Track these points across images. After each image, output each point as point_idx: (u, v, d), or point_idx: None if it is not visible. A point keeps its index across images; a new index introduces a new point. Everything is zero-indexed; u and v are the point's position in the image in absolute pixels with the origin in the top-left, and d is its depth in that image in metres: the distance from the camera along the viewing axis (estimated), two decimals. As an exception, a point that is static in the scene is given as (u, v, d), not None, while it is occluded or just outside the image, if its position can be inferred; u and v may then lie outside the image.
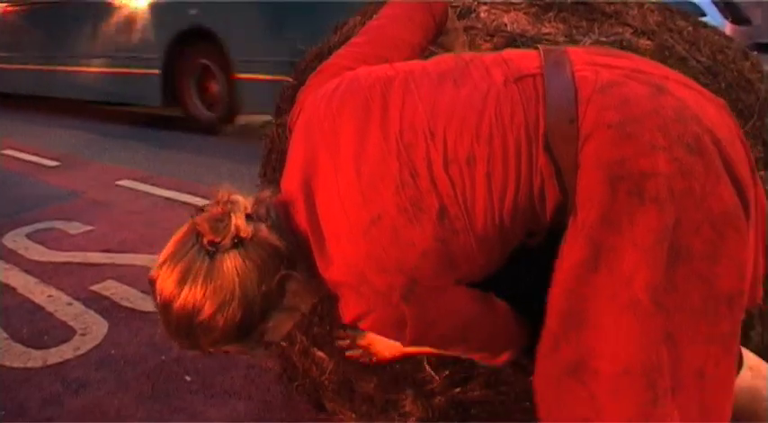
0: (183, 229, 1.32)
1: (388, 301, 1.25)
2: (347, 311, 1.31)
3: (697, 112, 1.21)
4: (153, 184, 5.62)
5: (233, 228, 1.26)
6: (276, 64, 5.50)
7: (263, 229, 1.29)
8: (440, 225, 1.22)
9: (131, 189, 5.60)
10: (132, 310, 3.42)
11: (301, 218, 1.31)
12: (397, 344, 1.61)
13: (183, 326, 1.30)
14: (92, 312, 3.41)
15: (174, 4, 7.00)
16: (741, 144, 1.26)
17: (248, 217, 1.30)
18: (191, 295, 1.26)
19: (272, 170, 1.99)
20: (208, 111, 7.23)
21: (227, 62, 6.61)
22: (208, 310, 1.26)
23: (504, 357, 1.42)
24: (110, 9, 7.67)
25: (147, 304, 3.46)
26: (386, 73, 1.33)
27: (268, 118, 2.44)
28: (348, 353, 1.79)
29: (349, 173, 1.26)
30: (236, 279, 1.25)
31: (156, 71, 7.24)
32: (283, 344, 2.03)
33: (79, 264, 4.04)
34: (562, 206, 1.24)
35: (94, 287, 3.68)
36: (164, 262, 1.31)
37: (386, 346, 1.70)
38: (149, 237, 4.42)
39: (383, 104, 1.28)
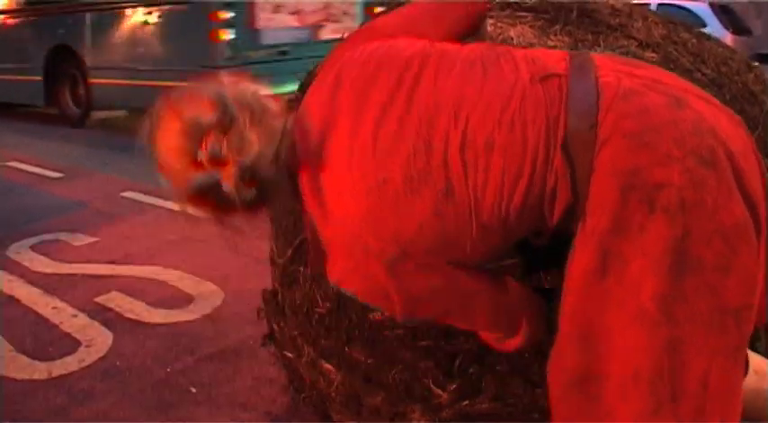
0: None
1: (376, 266, 1.27)
2: (334, 270, 1.33)
3: (713, 125, 1.22)
4: (158, 196, 5.61)
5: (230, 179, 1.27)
6: (118, 71, 8.28)
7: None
8: (443, 202, 1.23)
9: (136, 201, 5.60)
10: (137, 321, 3.42)
11: (305, 159, 1.31)
12: None
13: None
14: (96, 324, 3.41)
15: (48, 26, 9.19)
16: (755, 157, 1.27)
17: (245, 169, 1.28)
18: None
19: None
20: (76, 108, 9.25)
21: (84, 71, 8.76)
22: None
23: (517, 340, 1.42)
24: (4, 28, 9.93)
25: (152, 316, 3.46)
26: (424, 48, 1.34)
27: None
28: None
29: (366, 134, 1.27)
30: None
31: (40, 78, 9.25)
32: (290, 355, 2.04)
33: (84, 275, 4.04)
34: (571, 209, 1.25)
35: (99, 299, 3.68)
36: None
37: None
38: (154, 249, 4.43)
39: (416, 78, 1.29)
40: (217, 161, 1.26)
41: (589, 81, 1.25)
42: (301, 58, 6.51)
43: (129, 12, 8.21)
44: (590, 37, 1.96)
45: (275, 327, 2.10)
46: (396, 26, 1.47)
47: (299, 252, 1.88)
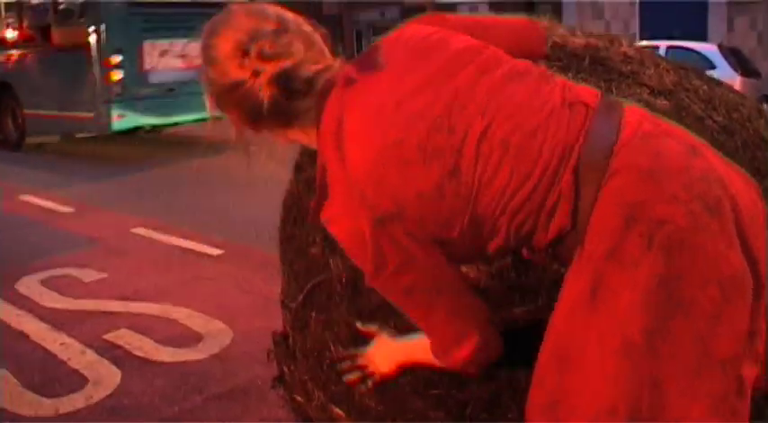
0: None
1: (366, 217, 1.29)
2: (329, 208, 1.35)
3: (723, 177, 1.24)
4: (168, 233, 5.64)
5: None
6: (40, 104, 10.24)
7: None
8: (447, 180, 1.26)
9: (146, 237, 5.63)
10: (146, 359, 3.41)
11: (338, 95, 1.36)
12: (395, 355, 1.65)
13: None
14: (105, 361, 3.41)
15: None
16: (763, 221, 1.28)
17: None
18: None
19: (293, 226, 2.01)
20: (15, 134, 10.99)
21: (20, 104, 10.67)
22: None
23: (464, 352, 1.40)
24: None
25: (160, 354, 3.46)
26: (479, 46, 1.39)
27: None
28: (348, 378, 1.78)
29: (402, 94, 1.31)
30: None
31: None
32: (300, 399, 2.03)
33: (93, 311, 4.05)
34: (565, 233, 1.27)
35: (108, 336, 3.68)
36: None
37: (384, 359, 1.71)
38: (163, 286, 4.43)
39: (462, 66, 1.34)
40: (262, 59, 1.33)
41: (613, 117, 1.29)
42: (188, 94, 8.86)
43: (44, 56, 10.44)
44: (602, 84, 1.97)
45: (285, 370, 2.09)
46: (460, 25, 1.53)
47: (310, 297, 1.88)
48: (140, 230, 5.79)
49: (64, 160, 10.24)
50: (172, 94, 9.65)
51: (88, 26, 9.42)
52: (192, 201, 6.99)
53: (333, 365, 1.83)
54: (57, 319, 3.93)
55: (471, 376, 1.52)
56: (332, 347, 1.82)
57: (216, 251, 5.13)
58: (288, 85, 1.34)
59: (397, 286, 1.36)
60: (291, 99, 1.36)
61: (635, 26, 19.11)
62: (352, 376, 1.78)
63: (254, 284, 4.33)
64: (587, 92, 1.35)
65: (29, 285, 4.51)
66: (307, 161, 2.10)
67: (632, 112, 1.32)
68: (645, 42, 14.04)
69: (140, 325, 3.81)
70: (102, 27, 9.38)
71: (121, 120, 9.57)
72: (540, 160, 1.25)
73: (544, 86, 1.33)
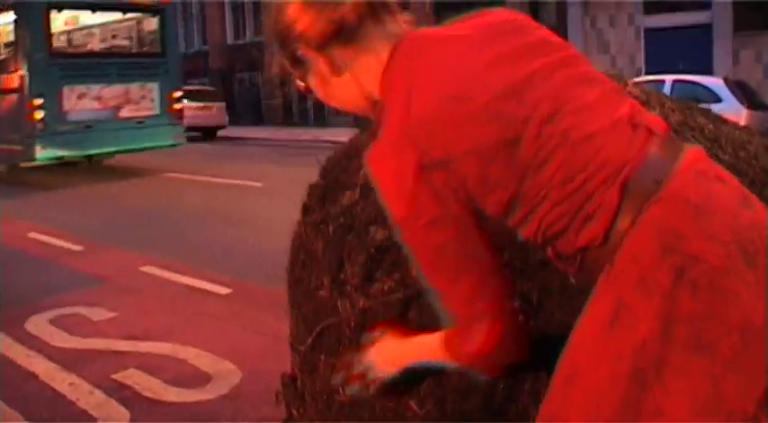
0: None
1: (411, 161, 1.28)
2: (376, 147, 1.34)
3: None
4: (177, 272, 5.65)
5: None
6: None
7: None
8: (503, 147, 1.26)
9: (155, 276, 5.65)
10: (154, 400, 3.40)
11: (415, 42, 1.38)
12: (400, 356, 1.55)
13: None
14: (113, 401, 3.40)
15: None
16: None
17: None
18: None
19: (301, 268, 2.01)
20: None
21: None
22: None
23: (478, 340, 1.31)
24: None
25: (169, 394, 3.45)
26: (564, 44, 1.42)
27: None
28: (347, 391, 1.67)
29: (479, 59, 1.33)
30: None
31: None
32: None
33: (102, 351, 4.05)
34: (595, 246, 1.26)
35: (117, 376, 3.68)
36: None
37: (386, 361, 1.60)
38: (172, 325, 4.44)
39: (547, 53, 1.37)
40: None
41: (674, 149, 1.29)
42: (103, 131, 12.16)
43: None
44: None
45: (294, 412, 2.08)
46: None
47: (319, 340, 1.88)
48: (149, 268, 5.81)
49: (69, 197, 10.31)
50: (89, 131, 12.14)
51: (19, 74, 11.91)
52: (200, 238, 7.03)
53: (342, 409, 1.82)
54: (65, 359, 3.93)
55: (492, 376, 1.43)
56: (341, 391, 1.81)
57: (224, 290, 5.14)
58: (365, 12, 1.38)
59: (427, 241, 1.32)
60: (376, 23, 1.39)
61: (641, 60, 19.23)
62: (350, 390, 1.66)
63: (262, 324, 4.32)
64: (656, 120, 1.35)
65: (38, 324, 4.52)
66: (315, 203, 2.12)
67: (694, 151, 1.32)
68: (650, 76, 14.12)
69: (149, 365, 3.80)
70: (28, 75, 11.77)
71: (44, 152, 11.80)
72: (593, 164, 1.25)
73: (615, 98, 1.34)
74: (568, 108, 1.29)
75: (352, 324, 1.78)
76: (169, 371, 3.72)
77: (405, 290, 1.71)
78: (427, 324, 1.66)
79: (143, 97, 12.72)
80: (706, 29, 17.39)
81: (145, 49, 13.73)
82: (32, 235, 7.30)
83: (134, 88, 12.58)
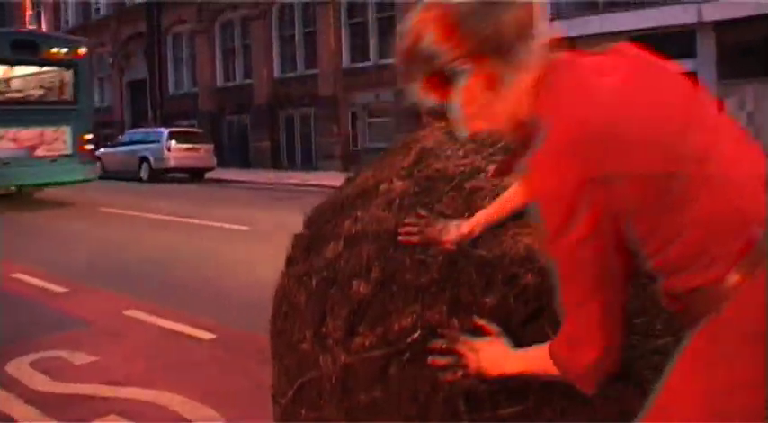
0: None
1: (579, 173, 1.29)
2: (537, 157, 1.34)
3: None
4: (160, 316, 5.63)
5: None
6: None
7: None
8: (664, 179, 1.29)
9: (139, 320, 5.61)
10: (134, 448, 3.38)
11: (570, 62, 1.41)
12: (507, 361, 1.59)
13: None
14: (93, 449, 3.37)
15: None
16: None
17: None
18: None
19: (284, 320, 2.03)
20: None
21: None
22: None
23: (590, 355, 1.39)
24: None
25: (149, 443, 3.43)
26: (700, 89, 1.47)
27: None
28: (434, 360, 1.67)
29: (647, 84, 1.39)
30: None
31: None
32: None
33: (83, 396, 4.01)
34: (704, 293, 1.31)
35: (96, 422, 3.64)
36: None
37: (492, 359, 1.62)
38: (155, 370, 4.41)
39: (691, 98, 1.42)
40: None
41: None
42: (20, 167, 14.22)
43: None
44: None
45: (275, 464, 2.08)
46: None
47: (300, 393, 1.89)
48: (133, 312, 5.78)
49: (55, 238, 10.28)
50: (7, 167, 13.98)
51: None
52: (184, 281, 7.01)
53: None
54: (45, 404, 3.89)
55: (587, 391, 1.47)
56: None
57: (208, 335, 5.12)
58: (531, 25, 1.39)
59: (573, 255, 1.35)
60: (527, 40, 1.38)
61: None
62: (441, 360, 1.67)
63: (245, 370, 4.31)
64: None
65: (18, 367, 4.48)
66: (299, 255, 2.14)
67: None
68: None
69: (130, 411, 3.77)
70: None
71: None
72: (728, 213, 1.29)
73: (756, 153, 1.39)
74: (716, 155, 1.33)
75: (333, 380, 1.79)
76: (150, 417, 3.69)
77: (386, 346, 1.73)
78: (409, 380, 1.67)
79: (56, 139, 15.01)
80: (691, 77, 17.57)
81: (61, 97, 15.81)
82: (17, 275, 7.27)
83: (48, 131, 14.90)
